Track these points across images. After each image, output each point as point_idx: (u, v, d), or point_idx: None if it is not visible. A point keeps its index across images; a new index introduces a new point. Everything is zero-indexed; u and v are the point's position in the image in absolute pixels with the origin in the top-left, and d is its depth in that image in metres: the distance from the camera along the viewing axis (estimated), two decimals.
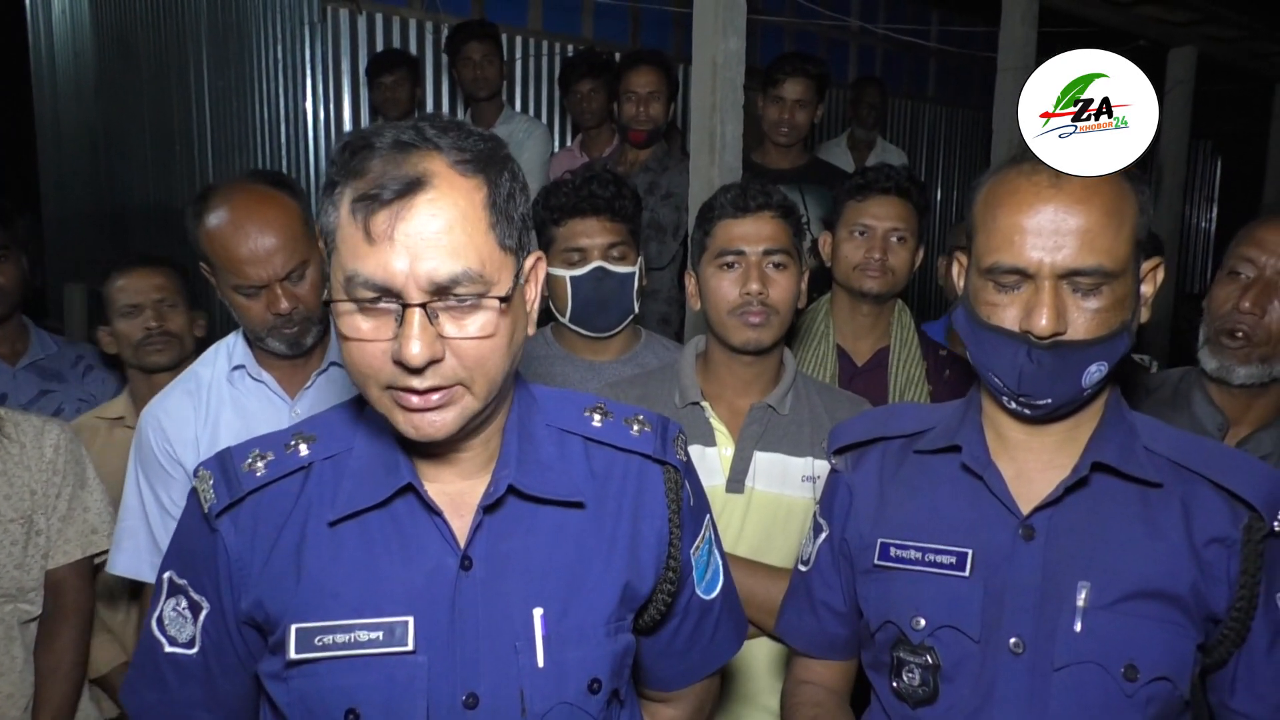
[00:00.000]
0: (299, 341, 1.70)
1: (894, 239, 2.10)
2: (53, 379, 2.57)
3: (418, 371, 0.95)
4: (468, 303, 0.96)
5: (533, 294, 1.07)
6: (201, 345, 2.27)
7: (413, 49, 4.49)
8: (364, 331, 0.96)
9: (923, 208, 2.16)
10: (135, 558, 1.77)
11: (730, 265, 1.70)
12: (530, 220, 1.05)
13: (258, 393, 1.76)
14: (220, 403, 1.75)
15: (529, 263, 1.05)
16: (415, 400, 0.96)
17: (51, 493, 1.92)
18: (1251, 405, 1.65)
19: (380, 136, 0.96)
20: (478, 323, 0.97)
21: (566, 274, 1.97)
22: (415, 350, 0.93)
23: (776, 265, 1.70)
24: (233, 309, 1.69)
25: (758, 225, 1.71)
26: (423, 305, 0.94)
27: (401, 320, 0.94)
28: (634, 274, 2.01)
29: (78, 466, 1.97)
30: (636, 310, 2.05)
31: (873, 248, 2.09)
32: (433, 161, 0.95)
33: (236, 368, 1.77)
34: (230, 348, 1.79)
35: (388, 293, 0.94)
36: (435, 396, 0.97)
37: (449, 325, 0.96)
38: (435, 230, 0.94)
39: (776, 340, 1.73)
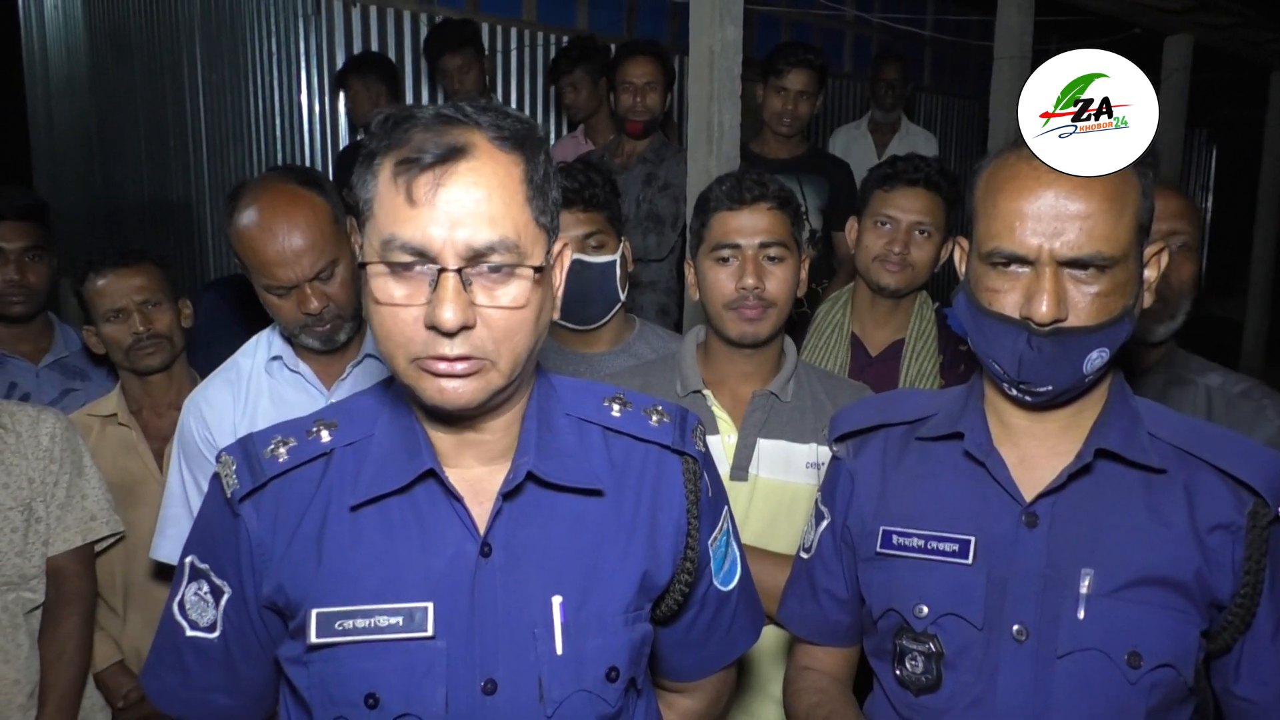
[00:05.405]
0: (331, 339, 1.71)
1: (918, 233, 2.06)
2: (76, 376, 2.53)
3: (449, 336, 0.95)
4: (502, 271, 0.97)
5: (558, 279, 1.09)
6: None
7: (407, 42, 4.46)
8: (396, 297, 0.97)
9: (953, 201, 2.09)
10: (178, 544, 1.79)
11: (726, 259, 1.69)
12: (559, 206, 1.07)
13: (295, 383, 1.78)
14: (259, 392, 1.77)
15: (556, 247, 1.07)
16: (442, 365, 0.97)
17: (49, 480, 1.94)
18: (1144, 359, 1.76)
19: (421, 110, 0.99)
20: (510, 293, 0.98)
21: None
22: (449, 315, 0.94)
23: (772, 258, 1.69)
24: (267, 307, 1.70)
25: (754, 218, 1.69)
26: (458, 271, 0.95)
27: (436, 285, 0.95)
28: (614, 262, 1.98)
29: (74, 455, 2.00)
30: (623, 298, 2.02)
31: (894, 240, 2.05)
32: (473, 135, 0.98)
33: (274, 358, 1.78)
34: (269, 339, 1.81)
35: (424, 257, 0.95)
36: (461, 365, 0.97)
37: (481, 294, 0.97)
38: (475, 198, 0.95)
39: (775, 333, 1.72)
